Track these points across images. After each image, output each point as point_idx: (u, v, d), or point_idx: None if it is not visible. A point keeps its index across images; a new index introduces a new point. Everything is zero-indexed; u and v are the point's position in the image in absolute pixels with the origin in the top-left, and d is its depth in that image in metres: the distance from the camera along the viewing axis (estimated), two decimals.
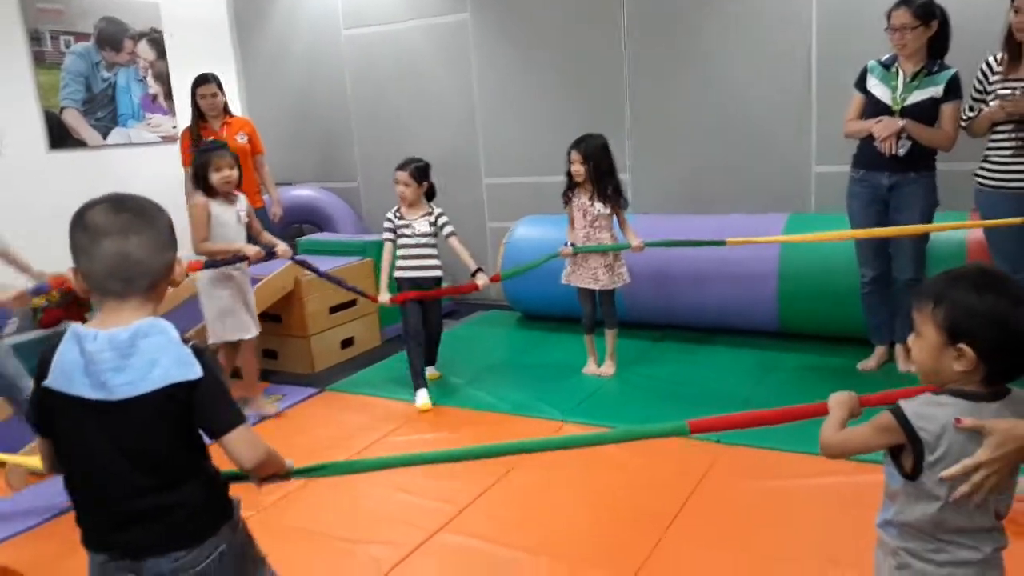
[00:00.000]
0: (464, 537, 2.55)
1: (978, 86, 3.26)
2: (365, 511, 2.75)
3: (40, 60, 5.02)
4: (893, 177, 3.40)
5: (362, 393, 3.92)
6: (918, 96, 3.31)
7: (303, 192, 5.90)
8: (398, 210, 3.82)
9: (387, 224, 3.82)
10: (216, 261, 3.49)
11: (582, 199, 3.76)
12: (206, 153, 3.56)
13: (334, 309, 4.49)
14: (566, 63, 5.05)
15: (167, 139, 5.76)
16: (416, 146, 5.62)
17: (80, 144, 5.27)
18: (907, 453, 1.33)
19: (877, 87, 3.40)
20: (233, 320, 3.60)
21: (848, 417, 1.46)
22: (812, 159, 4.44)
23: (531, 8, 5.09)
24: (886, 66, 3.40)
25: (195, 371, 1.32)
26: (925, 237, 3.47)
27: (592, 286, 3.81)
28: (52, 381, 1.33)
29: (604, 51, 4.91)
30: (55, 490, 3.08)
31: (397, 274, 3.82)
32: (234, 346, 3.71)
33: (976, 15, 3.66)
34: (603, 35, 4.89)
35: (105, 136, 5.41)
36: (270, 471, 1.47)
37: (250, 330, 3.64)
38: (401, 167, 3.77)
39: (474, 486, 2.82)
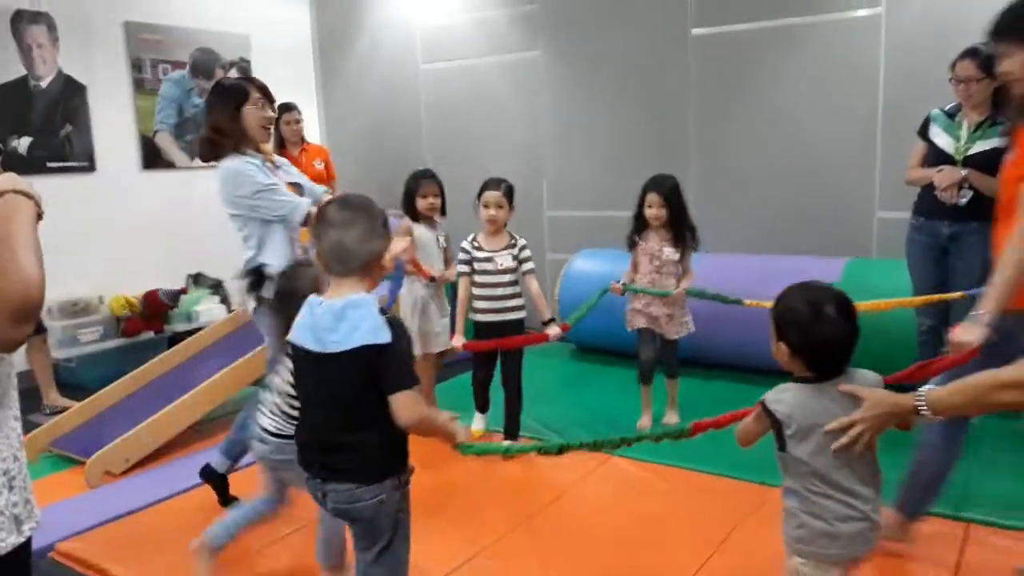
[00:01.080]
0: None
1: None
2: None
3: (140, 86, 5.40)
4: (954, 226, 3.37)
5: None
6: (982, 146, 3.29)
7: None
8: (475, 239, 3.46)
9: (463, 256, 3.44)
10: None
11: (651, 243, 3.53)
12: (417, 179, 3.73)
13: None
14: (632, 101, 5.15)
15: None
16: (484, 176, 5.79)
17: (170, 165, 5.62)
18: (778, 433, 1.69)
19: (940, 136, 3.39)
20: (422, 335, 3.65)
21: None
22: (875, 204, 4.42)
23: (601, 47, 5.22)
24: (950, 115, 3.39)
25: (385, 337, 1.67)
26: (982, 285, 3.41)
27: (655, 329, 3.58)
28: (291, 335, 1.78)
29: (671, 90, 5.00)
30: (134, 487, 3.29)
31: (474, 317, 3.48)
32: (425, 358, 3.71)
33: None
34: (671, 75, 4.98)
35: (192, 158, 5.75)
36: (428, 434, 1.81)
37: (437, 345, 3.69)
38: (492, 187, 3.44)
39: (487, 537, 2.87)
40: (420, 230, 3.68)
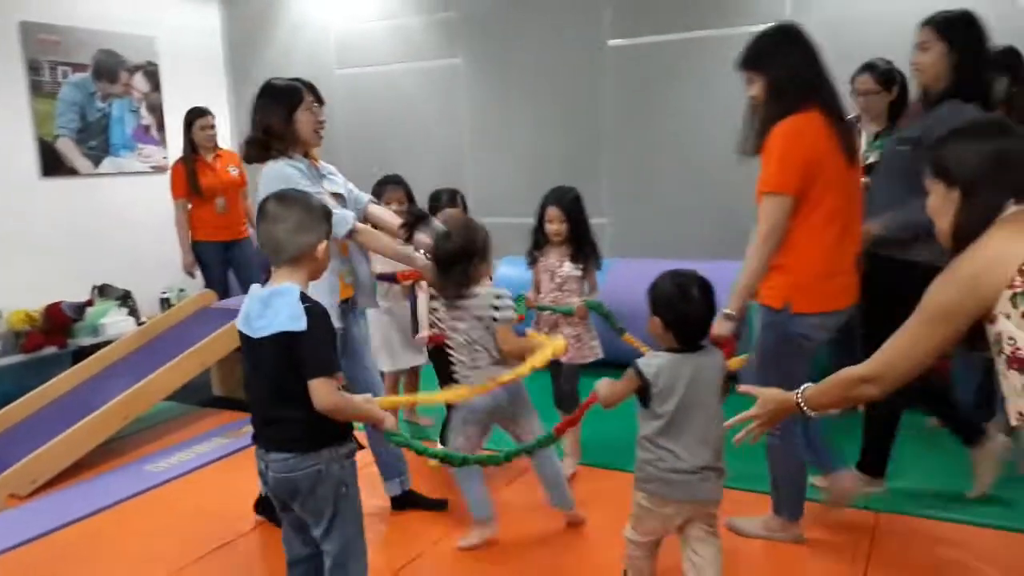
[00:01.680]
0: None
1: None
2: None
3: (37, 89, 5.14)
4: None
5: None
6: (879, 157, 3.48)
7: None
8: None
9: None
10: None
11: (551, 259, 3.31)
12: (380, 185, 3.69)
13: None
14: (551, 109, 5.23)
15: (157, 169, 5.86)
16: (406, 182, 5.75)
17: (72, 172, 5.36)
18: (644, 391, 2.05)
19: None
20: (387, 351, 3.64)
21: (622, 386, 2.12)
22: None
23: (519, 56, 5.28)
24: None
25: (300, 325, 1.79)
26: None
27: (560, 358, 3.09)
28: (237, 321, 1.92)
29: (588, 99, 5.09)
30: (42, 509, 3.13)
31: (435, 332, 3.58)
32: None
33: None
34: (588, 84, 5.07)
35: (97, 165, 5.51)
36: (349, 419, 1.93)
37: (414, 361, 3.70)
38: (449, 202, 3.58)
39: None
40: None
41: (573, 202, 3.29)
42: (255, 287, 1.89)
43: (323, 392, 1.80)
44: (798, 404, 1.74)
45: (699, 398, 2.05)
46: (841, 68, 3.62)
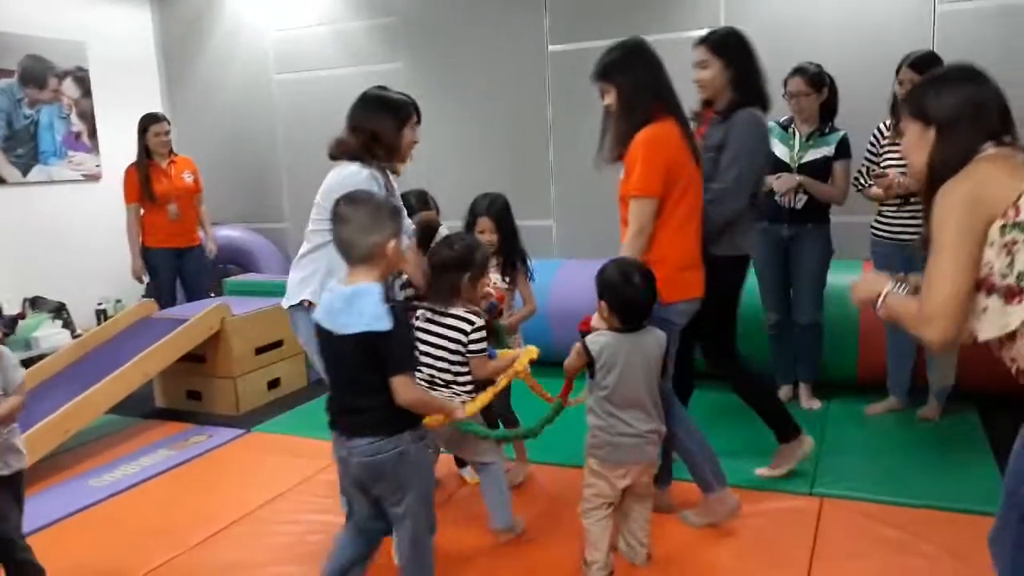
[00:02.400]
0: None
1: (871, 148, 3.61)
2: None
3: None
4: (792, 228, 3.69)
5: (289, 433, 3.94)
6: (813, 155, 3.63)
7: (230, 232, 5.91)
8: None
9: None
10: None
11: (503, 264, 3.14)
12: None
13: (260, 350, 4.50)
14: (495, 113, 5.27)
15: (89, 177, 5.70)
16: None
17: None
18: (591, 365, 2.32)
19: (776, 146, 3.70)
20: None
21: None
22: None
23: (462, 60, 5.31)
24: (784, 127, 3.72)
25: (385, 325, 1.90)
26: (822, 283, 3.76)
27: None
28: (315, 315, 2.03)
29: (531, 103, 5.16)
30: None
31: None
32: None
33: (862, 83, 4.03)
34: (530, 88, 5.14)
35: (25, 173, 5.33)
36: (428, 412, 2.10)
37: None
38: (485, 210, 3.13)
39: None
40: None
41: (503, 210, 3.13)
42: (335, 284, 2.02)
43: (405, 388, 1.94)
44: (878, 300, 1.72)
45: (638, 372, 2.33)
46: (774, 71, 3.79)
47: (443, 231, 2.86)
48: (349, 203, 2.00)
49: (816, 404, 3.84)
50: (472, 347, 2.54)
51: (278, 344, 4.63)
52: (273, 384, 4.60)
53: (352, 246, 1.98)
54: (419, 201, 3.32)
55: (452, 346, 2.53)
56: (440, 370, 2.55)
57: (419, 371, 2.53)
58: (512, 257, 3.13)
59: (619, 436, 2.33)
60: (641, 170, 2.54)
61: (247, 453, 3.75)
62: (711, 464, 2.73)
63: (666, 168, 2.51)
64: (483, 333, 2.56)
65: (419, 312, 2.60)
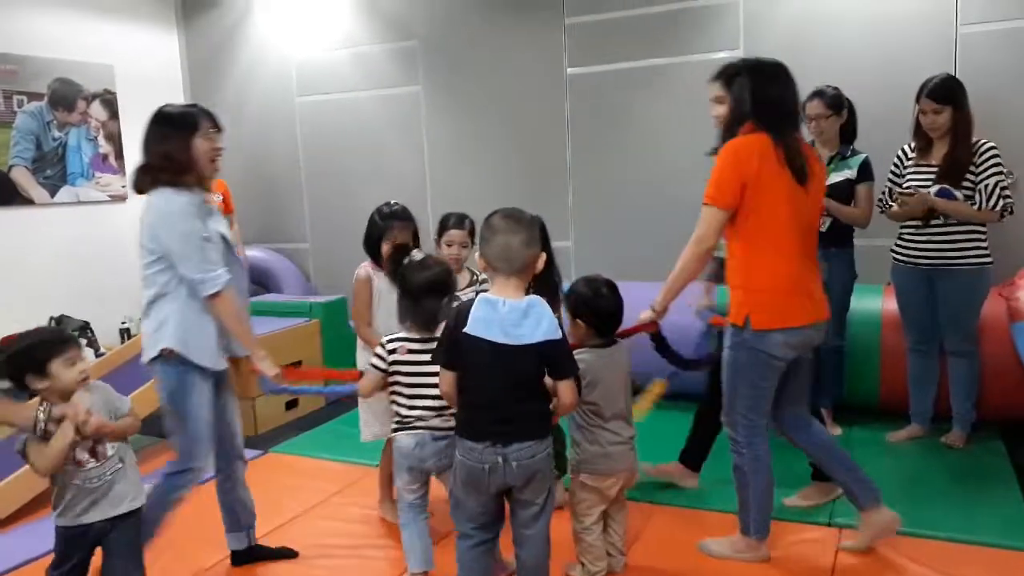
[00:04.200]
0: None
1: (895, 170, 3.57)
2: None
3: None
4: (817, 252, 3.64)
5: (306, 455, 3.94)
6: (835, 178, 3.59)
7: (251, 253, 5.96)
8: None
9: None
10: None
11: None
12: (388, 218, 3.12)
13: None
14: (512, 134, 5.29)
15: (115, 198, 5.79)
16: (367, 210, 5.73)
17: (28, 202, 5.27)
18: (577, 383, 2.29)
19: None
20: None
21: None
22: None
23: (480, 83, 5.34)
24: None
25: (559, 334, 2.09)
26: (845, 307, 3.71)
27: None
28: (470, 329, 2.06)
29: (548, 126, 5.17)
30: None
31: None
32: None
33: (883, 105, 4.00)
34: (548, 111, 5.15)
35: (53, 195, 5.42)
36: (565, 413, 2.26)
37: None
38: (455, 225, 3.14)
39: None
40: (384, 281, 3.01)
41: (541, 232, 3.02)
42: (492, 298, 2.08)
43: (572, 391, 2.14)
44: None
45: (616, 384, 2.49)
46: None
47: (416, 255, 2.73)
48: (509, 217, 2.13)
49: (837, 430, 3.78)
50: None
51: (297, 365, 4.65)
52: (291, 405, 4.62)
53: (515, 258, 2.09)
54: (456, 223, 3.17)
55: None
56: (435, 397, 2.37)
57: (413, 406, 2.43)
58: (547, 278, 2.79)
59: (611, 446, 2.48)
60: (714, 178, 2.51)
61: (264, 474, 3.75)
62: (860, 482, 2.68)
63: (742, 181, 2.43)
64: None
65: (397, 344, 2.45)
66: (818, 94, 3.59)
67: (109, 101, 5.78)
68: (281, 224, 6.24)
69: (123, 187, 5.82)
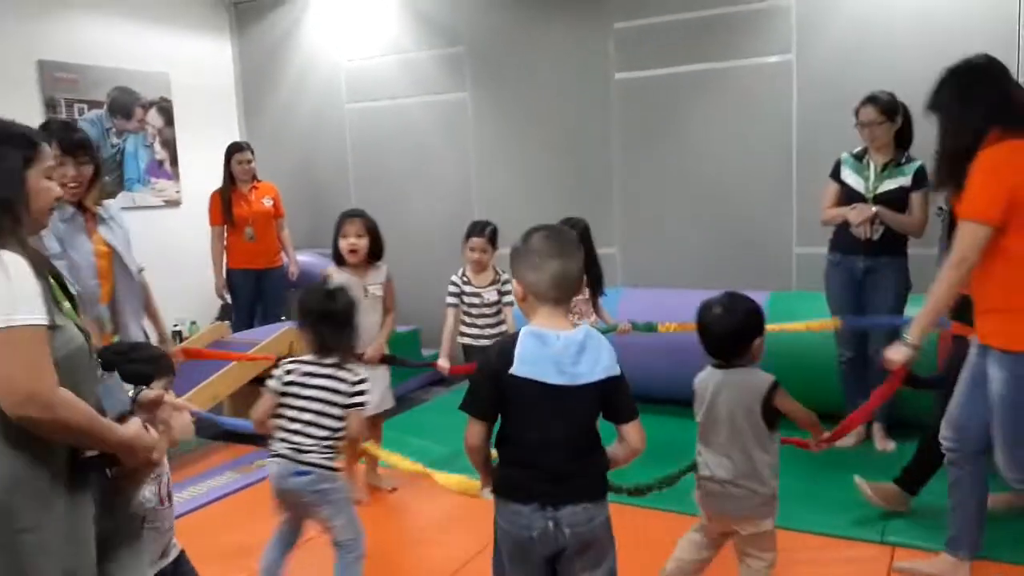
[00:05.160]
0: None
1: None
2: None
3: None
4: (868, 261, 3.56)
5: None
6: (889, 185, 3.51)
7: (300, 257, 6.04)
8: (464, 274, 3.72)
9: (452, 289, 3.69)
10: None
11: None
12: (341, 217, 3.43)
13: None
14: (558, 142, 5.27)
15: (170, 203, 5.93)
16: (413, 215, 5.81)
17: None
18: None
19: (850, 177, 3.59)
20: None
21: None
22: (793, 240, 4.62)
23: (527, 89, 5.34)
24: (858, 158, 3.61)
25: (618, 369, 1.77)
26: (901, 316, 3.61)
27: None
28: (517, 370, 1.72)
29: (595, 131, 5.14)
30: None
31: (462, 340, 3.75)
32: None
33: None
34: (595, 117, 5.12)
35: (114, 198, 5.57)
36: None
37: (375, 408, 3.28)
38: (477, 233, 3.67)
39: None
40: (343, 277, 3.31)
41: (583, 234, 3.43)
42: (544, 332, 1.74)
43: (640, 435, 1.81)
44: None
45: (723, 413, 2.13)
46: (846, 99, 3.69)
47: (333, 281, 2.73)
48: (558, 239, 1.80)
49: (891, 446, 3.68)
50: (354, 399, 2.40)
51: None
52: None
53: (572, 287, 1.81)
54: (478, 231, 3.71)
55: (334, 398, 2.38)
56: (321, 427, 2.36)
57: (296, 431, 2.37)
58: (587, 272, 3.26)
59: (704, 480, 2.19)
60: (973, 192, 2.21)
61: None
62: (979, 530, 2.52)
63: (1008, 194, 2.16)
64: (366, 386, 2.43)
65: (291, 367, 2.42)
66: (872, 100, 3.50)
67: (165, 108, 5.92)
68: (329, 229, 6.25)
69: (177, 192, 5.96)
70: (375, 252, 3.43)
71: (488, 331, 3.68)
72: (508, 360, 1.72)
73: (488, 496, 1.89)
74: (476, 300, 3.68)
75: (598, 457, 1.82)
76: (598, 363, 1.73)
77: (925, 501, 3.11)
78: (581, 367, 1.72)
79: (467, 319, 3.72)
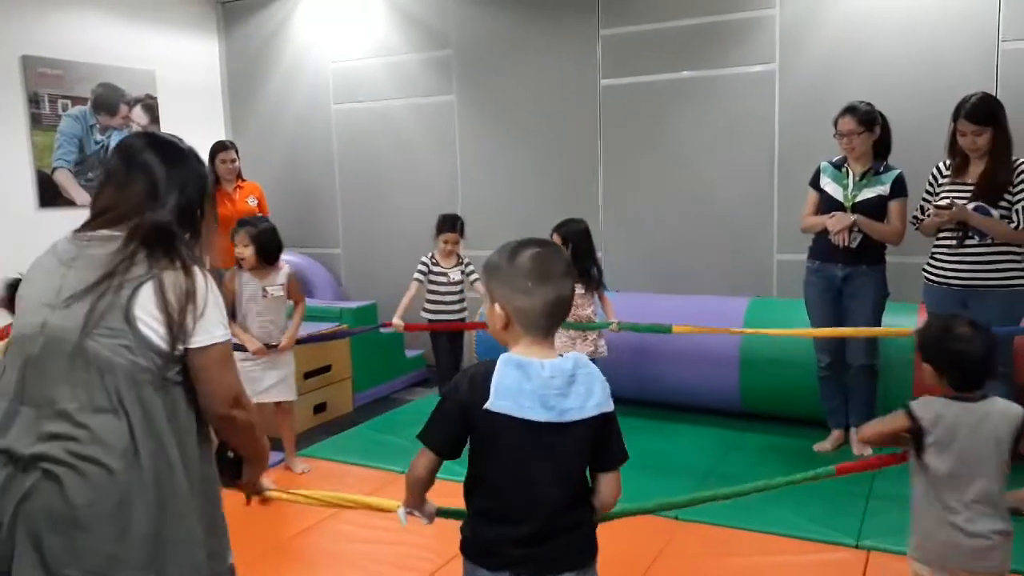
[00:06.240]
0: None
1: (929, 188, 3.51)
2: None
3: (37, 122, 5.20)
4: (846, 268, 3.61)
5: (332, 459, 3.98)
6: (867, 194, 3.56)
7: (284, 257, 6.02)
8: (433, 256, 4.30)
9: (421, 267, 4.28)
10: None
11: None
12: (236, 226, 3.70)
13: (309, 375, 4.58)
14: (544, 146, 5.31)
15: None
16: (399, 216, 5.83)
17: (69, 203, 5.40)
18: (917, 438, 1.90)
19: (829, 185, 3.64)
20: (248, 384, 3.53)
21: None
22: (774, 247, 4.68)
23: (514, 93, 5.37)
24: (837, 166, 3.66)
25: (612, 405, 1.51)
26: (877, 325, 3.65)
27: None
28: (494, 405, 1.44)
29: (580, 136, 5.17)
30: None
31: (426, 315, 4.30)
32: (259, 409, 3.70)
33: (920, 120, 3.94)
34: (581, 122, 5.16)
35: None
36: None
37: (267, 395, 3.61)
38: (451, 228, 4.27)
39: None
40: (244, 278, 3.64)
41: (574, 231, 3.92)
42: (529, 360, 1.47)
43: (619, 487, 1.54)
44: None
45: (982, 452, 1.87)
46: (827, 108, 3.74)
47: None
48: (554, 259, 1.52)
49: (867, 451, 3.71)
50: None
51: (326, 369, 4.70)
52: (319, 408, 4.67)
53: (566, 310, 1.54)
54: (450, 226, 4.27)
55: None
56: None
57: None
58: (581, 269, 3.80)
59: (965, 537, 1.86)
60: None
61: (290, 478, 3.80)
62: None
63: None
64: None
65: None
66: (850, 110, 3.55)
67: (150, 106, 5.90)
68: (314, 229, 6.32)
69: None
70: (266, 258, 3.65)
71: (452, 307, 4.29)
72: (482, 392, 1.45)
73: (403, 516, 1.70)
74: (442, 279, 4.27)
75: (587, 512, 1.54)
76: (590, 397, 1.46)
77: (902, 506, 3.16)
78: (570, 401, 1.45)
79: (432, 296, 4.28)
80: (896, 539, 2.88)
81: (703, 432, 4.16)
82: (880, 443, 2.04)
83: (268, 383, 3.62)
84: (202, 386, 1.49)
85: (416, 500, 1.65)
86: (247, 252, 3.63)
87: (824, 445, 3.84)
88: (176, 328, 1.43)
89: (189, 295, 1.44)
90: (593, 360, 3.74)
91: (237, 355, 3.58)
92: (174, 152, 1.55)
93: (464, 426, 1.49)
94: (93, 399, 1.40)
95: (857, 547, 2.86)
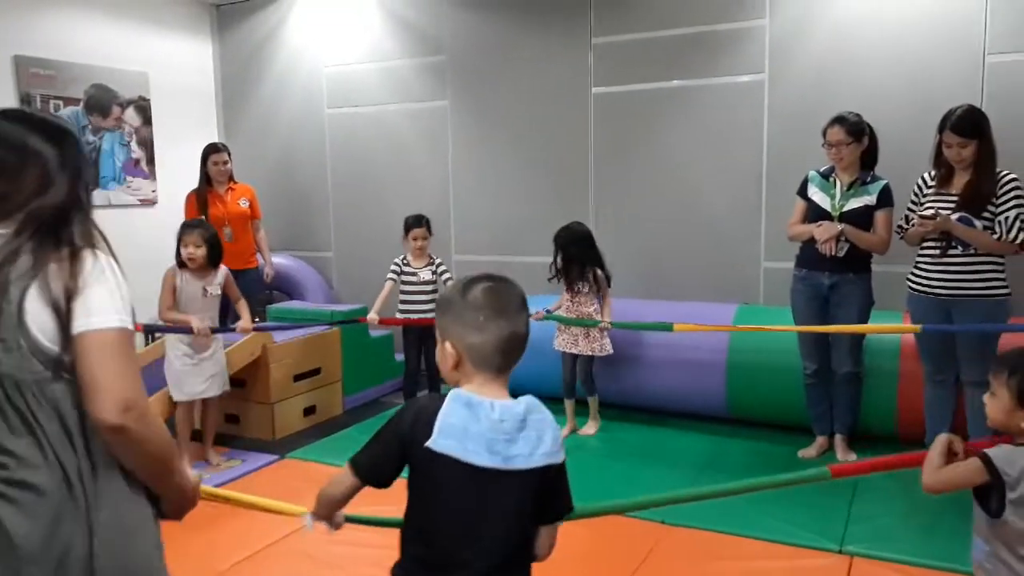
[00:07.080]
0: None
1: (914, 198, 3.56)
2: None
3: None
4: (833, 277, 3.66)
5: (322, 462, 3.99)
6: (854, 203, 3.60)
7: (276, 260, 6.04)
8: (405, 258, 4.47)
9: (394, 268, 4.46)
10: (162, 327, 3.95)
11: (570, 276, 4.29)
12: (183, 227, 3.89)
13: (299, 377, 4.59)
14: (536, 151, 5.34)
15: (145, 202, 5.91)
16: (391, 220, 5.82)
17: None
18: (994, 494, 1.61)
19: (817, 194, 3.69)
20: (187, 382, 3.85)
21: (943, 460, 1.74)
22: (761, 255, 4.72)
23: (507, 100, 5.41)
24: (825, 176, 3.71)
25: (562, 456, 1.43)
26: (862, 334, 3.70)
27: (572, 350, 4.20)
28: (436, 444, 1.34)
29: (572, 143, 5.21)
30: None
31: (399, 315, 4.44)
32: (189, 406, 3.94)
33: (907, 131, 4.00)
34: (572, 129, 5.20)
35: None
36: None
37: (203, 393, 3.89)
38: (418, 225, 4.46)
39: None
40: (183, 278, 3.84)
41: (573, 237, 4.17)
42: (478, 399, 1.38)
43: (555, 541, 1.46)
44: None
45: None
46: (816, 118, 3.80)
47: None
48: (506, 294, 1.44)
49: (852, 457, 3.77)
50: None
51: (316, 372, 4.72)
52: (309, 411, 4.68)
53: (520, 348, 1.44)
54: (416, 223, 4.48)
55: None
56: None
57: None
58: (581, 270, 4.18)
59: None
60: None
61: (279, 480, 3.81)
62: None
63: None
64: None
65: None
66: (839, 120, 3.60)
67: (143, 108, 5.91)
68: (306, 232, 6.33)
69: (153, 191, 5.95)
70: (213, 260, 3.86)
71: (422, 307, 4.41)
72: (425, 429, 1.36)
73: (310, 523, 1.64)
74: (413, 279, 4.44)
75: (526, 565, 1.44)
76: (540, 445, 1.38)
77: (884, 512, 3.21)
78: (517, 447, 1.36)
79: (405, 296, 4.45)
80: (879, 545, 2.93)
81: (689, 437, 4.19)
82: (944, 491, 1.75)
83: (206, 375, 3.85)
84: (82, 384, 1.25)
85: (324, 514, 1.59)
86: (199, 253, 3.77)
87: (809, 451, 3.88)
88: (64, 321, 1.26)
89: (73, 278, 1.28)
90: (594, 358, 3.86)
91: (172, 355, 3.79)
92: (58, 131, 1.41)
93: (400, 460, 1.42)
94: (8, 421, 1.26)
95: (840, 552, 2.89)
